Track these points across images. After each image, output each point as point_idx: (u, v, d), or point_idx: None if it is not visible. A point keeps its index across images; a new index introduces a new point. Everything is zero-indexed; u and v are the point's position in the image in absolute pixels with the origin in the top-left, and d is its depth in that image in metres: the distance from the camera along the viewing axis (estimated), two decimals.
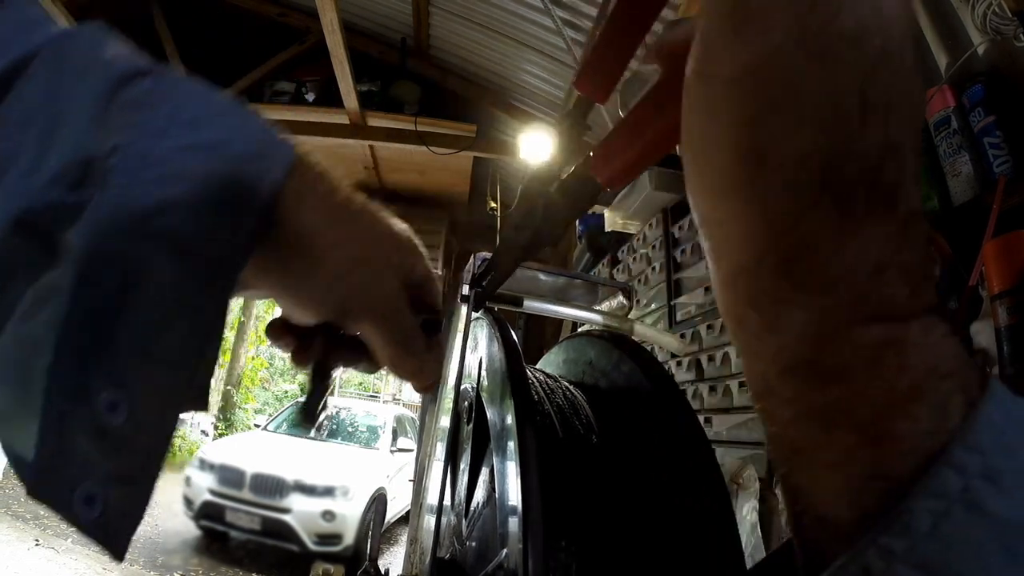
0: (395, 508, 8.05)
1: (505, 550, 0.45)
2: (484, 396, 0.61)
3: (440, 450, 0.71)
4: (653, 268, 2.57)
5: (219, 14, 5.96)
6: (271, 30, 5.84)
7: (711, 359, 2.04)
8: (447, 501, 0.65)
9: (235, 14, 5.93)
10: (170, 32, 5.36)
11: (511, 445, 0.45)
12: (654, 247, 2.59)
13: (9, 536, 5.92)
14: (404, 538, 7.62)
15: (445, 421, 0.67)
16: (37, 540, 6.05)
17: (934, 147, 1.70)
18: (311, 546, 6.44)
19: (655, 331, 0.85)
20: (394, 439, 8.51)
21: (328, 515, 6.51)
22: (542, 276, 0.76)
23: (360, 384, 23.27)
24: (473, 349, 0.67)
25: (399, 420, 9.33)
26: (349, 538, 6.62)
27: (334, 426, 8.93)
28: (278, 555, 6.61)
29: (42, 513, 6.93)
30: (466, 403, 0.64)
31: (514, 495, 0.43)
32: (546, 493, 0.40)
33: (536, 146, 4.58)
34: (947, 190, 1.65)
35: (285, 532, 6.47)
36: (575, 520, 0.51)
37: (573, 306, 0.72)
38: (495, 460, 0.52)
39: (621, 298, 0.79)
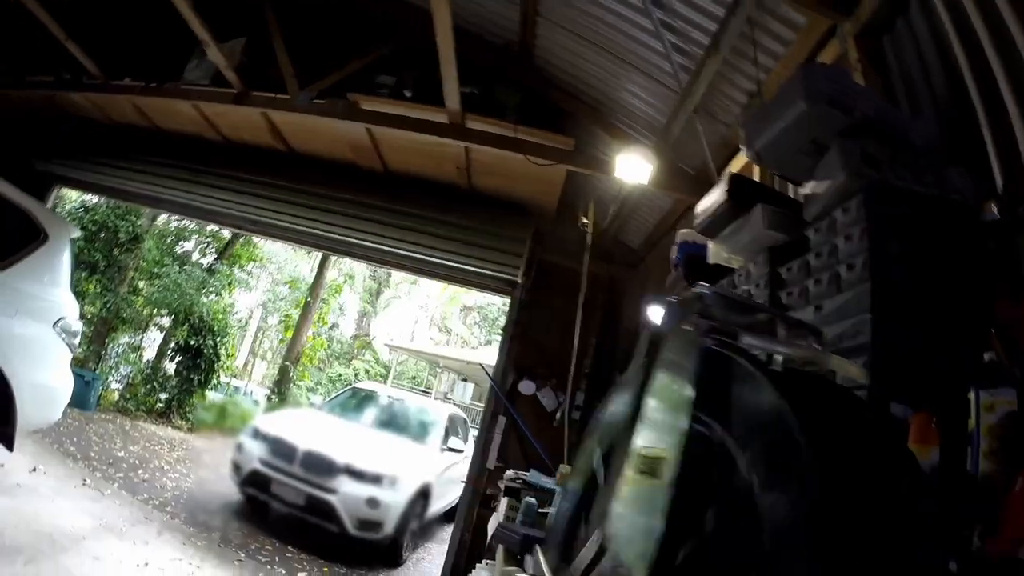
0: (437, 506, 8.05)
1: None
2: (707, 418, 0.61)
3: (631, 472, 0.71)
4: None
5: (325, 4, 6.12)
6: (372, 24, 5.96)
7: None
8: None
9: (340, 5, 6.08)
10: (277, 22, 5.54)
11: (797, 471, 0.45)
12: (758, 285, 2.53)
13: (59, 472, 6.18)
14: (444, 535, 7.60)
15: (644, 440, 0.67)
16: (85, 480, 6.32)
17: None
18: (351, 530, 6.52)
19: (844, 362, 0.86)
20: (445, 438, 8.54)
21: (372, 502, 6.58)
22: (738, 310, 0.76)
23: (413, 379, 23.51)
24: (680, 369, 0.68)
25: (452, 419, 9.35)
26: (389, 527, 6.69)
27: (387, 417, 9.03)
28: (316, 533, 6.69)
29: (92, 455, 7.25)
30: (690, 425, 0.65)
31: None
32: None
33: (632, 168, 4.53)
34: None
35: (328, 512, 6.56)
36: None
37: (783, 343, 0.72)
38: (766, 490, 0.52)
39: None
